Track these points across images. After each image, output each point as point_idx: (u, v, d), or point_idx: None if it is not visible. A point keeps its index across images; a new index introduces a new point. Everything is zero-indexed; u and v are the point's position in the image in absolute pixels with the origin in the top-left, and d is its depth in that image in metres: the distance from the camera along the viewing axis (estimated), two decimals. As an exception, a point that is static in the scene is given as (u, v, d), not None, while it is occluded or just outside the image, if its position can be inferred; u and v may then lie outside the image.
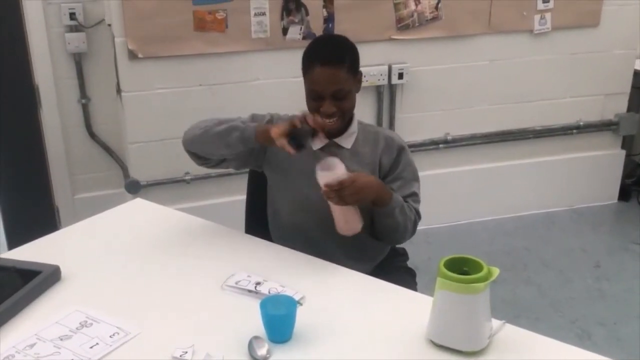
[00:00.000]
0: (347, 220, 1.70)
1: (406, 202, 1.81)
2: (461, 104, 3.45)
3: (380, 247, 1.94)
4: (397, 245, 2.04)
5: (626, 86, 3.67)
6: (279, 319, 1.41)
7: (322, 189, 1.64)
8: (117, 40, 2.86)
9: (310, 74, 1.76)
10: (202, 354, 1.36)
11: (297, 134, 1.68)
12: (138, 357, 1.38)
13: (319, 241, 1.81)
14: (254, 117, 1.91)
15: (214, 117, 1.88)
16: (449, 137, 3.48)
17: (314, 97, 1.77)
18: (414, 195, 1.85)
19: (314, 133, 1.73)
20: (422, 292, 1.64)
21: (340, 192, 1.61)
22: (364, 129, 1.89)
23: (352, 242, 1.79)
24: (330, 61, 1.74)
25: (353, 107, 1.83)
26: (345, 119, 1.83)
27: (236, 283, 1.61)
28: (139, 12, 2.81)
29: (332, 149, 1.83)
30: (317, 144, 1.85)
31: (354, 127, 1.86)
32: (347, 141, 1.85)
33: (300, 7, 3.00)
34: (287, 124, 1.68)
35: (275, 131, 1.68)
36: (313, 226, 1.84)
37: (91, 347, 1.38)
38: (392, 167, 1.84)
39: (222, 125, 1.81)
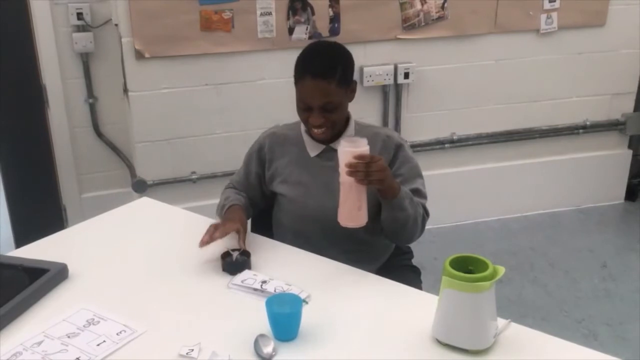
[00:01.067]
0: (360, 206, 1.64)
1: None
2: (467, 104, 3.45)
3: (384, 248, 1.93)
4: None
5: (633, 86, 3.66)
6: (285, 317, 1.41)
7: (345, 165, 1.58)
8: (124, 40, 2.87)
9: (300, 84, 1.75)
10: (208, 352, 1.37)
11: (232, 265, 1.68)
12: (145, 355, 1.38)
13: (322, 248, 1.79)
14: (250, 154, 1.96)
15: (225, 188, 2.00)
16: (455, 137, 3.48)
17: (303, 108, 1.76)
18: (418, 192, 1.81)
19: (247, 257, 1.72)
20: (428, 292, 1.64)
21: (369, 166, 1.57)
22: (362, 130, 1.86)
23: (355, 246, 1.78)
24: (320, 74, 1.71)
25: (343, 118, 1.82)
26: (335, 129, 1.81)
27: (242, 282, 1.62)
28: (146, 12, 2.83)
29: (328, 155, 1.82)
30: (313, 151, 1.85)
31: (350, 131, 1.84)
32: None
33: (306, 6, 3.01)
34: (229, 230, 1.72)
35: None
36: (315, 234, 1.83)
37: (98, 345, 1.39)
38: (390, 165, 1.80)
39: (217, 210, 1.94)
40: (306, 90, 1.73)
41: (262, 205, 1.98)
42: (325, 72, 1.72)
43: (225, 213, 1.84)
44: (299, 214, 1.85)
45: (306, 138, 1.86)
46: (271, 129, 1.96)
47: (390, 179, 1.66)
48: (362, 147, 1.61)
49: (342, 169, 1.60)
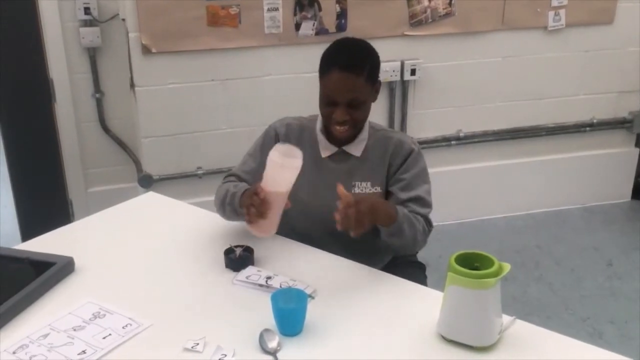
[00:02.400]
0: (268, 216, 1.55)
1: (408, 206, 1.73)
2: (474, 101, 3.44)
3: (387, 249, 1.92)
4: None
5: (640, 84, 3.65)
6: (290, 312, 1.41)
7: (337, 216, 1.48)
8: (131, 35, 2.88)
9: (326, 77, 1.70)
10: (214, 346, 1.37)
11: (235, 262, 1.65)
12: (150, 348, 1.39)
13: (326, 247, 1.78)
14: (263, 139, 1.86)
15: (224, 182, 1.84)
16: (461, 134, 3.47)
17: (328, 103, 1.71)
18: (419, 200, 1.75)
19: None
20: (433, 289, 1.64)
21: (358, 206, 1.48)
22: (375, 134, 1.82)
23: (359, 246, 1.77)
24: (349, 67, 1.67)
25: (366, 117, 1.77)
26: (357, 128, 1.76)
27: (247, 277, 1.62)
28: (153, 7, 2.83)
29: (340, 157, 1.79)
30: (326, 151, 1.81)
31: (364, 134, 1.81)
32: (356, 148, 1.80)
33: (313, 2, 3.00)
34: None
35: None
36: (319, 233, 1.81)
37: (104, 338, 1.40)
38: (398, 169, 1.78)
39: (218, 203, 1.79)
40: (333, 83, 1.68)
41: None
42: (354, 66, 1.67)
43: (244, 195, 1.68)
44: (305, 212, 1.83)
45: (320, 137, 1.82)
46: (284, 119, 1.89)
47: (378, 214, 1.58)
48: (295, 160, 1.51)
49: (266, 176, 1.53)
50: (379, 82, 1.78)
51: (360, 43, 1.78)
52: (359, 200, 1.52)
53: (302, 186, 1.81)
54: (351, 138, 1.79)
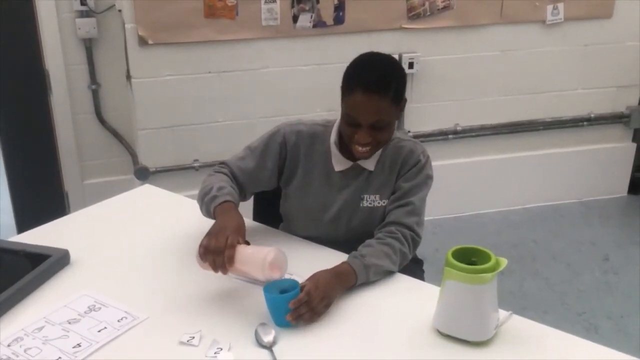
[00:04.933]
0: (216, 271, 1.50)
1: (394, 213, 1.69)
2: (471, 95, 3.44)
3: None
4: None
5: (638, 79, 3.64)
6: (282, 301, 1.40)
7: (288, 316, 1.40)
8: (128, 26, 2.86)
9: (349, 97, 1.61)
10: (209, 339, 1.37)
11: None
12: (145, 342, 1.38)
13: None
14: (268, 142, 1.78)
15: (215, 172, 1.76)
16: (459, 128, 3.47)
17: (350, 123, 1.63)
18: (409, 206, 1.70)
19: None
20: (430, 283, 1.64)
21: (310, 304, 1.41)
22: (388, 144, 1.74)
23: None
24: (374, 88, 1.58)
25: (390, 137, 1.70)
26: (379, 149, 1.71)
27: (243, 270, 1.61)
28: (150, -2, 2.82)
29: (355, 172, 1.75)
30: (339, 165, 1.76)
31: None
32: (370, 163, 1.74)
33: (311, -5, 2.99)
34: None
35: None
36: (324, 241, 1.78)
37: (99, 331, 1.39)
38: (402, 177, 1.74)
39: (199, 195, 1.71)
40: (356, 105, 1.59)
41: (246, 200, 1.85)
42: (379, 87, 1.59)
43: (219, 212, 1.61)
44: (311, 221, 1.81)
45: (334, 150, 1.75)
46: (295, 124, 1.79)
47: (335, 293, 1.50)
48: (274, 275, 1.46)
49: (245, 257, 1.47)
50: (405, 100, 1.68)
51: (385, 60, 1.68)
52: (310, 292, 1.43)
53: (310, 196, 1.80)
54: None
